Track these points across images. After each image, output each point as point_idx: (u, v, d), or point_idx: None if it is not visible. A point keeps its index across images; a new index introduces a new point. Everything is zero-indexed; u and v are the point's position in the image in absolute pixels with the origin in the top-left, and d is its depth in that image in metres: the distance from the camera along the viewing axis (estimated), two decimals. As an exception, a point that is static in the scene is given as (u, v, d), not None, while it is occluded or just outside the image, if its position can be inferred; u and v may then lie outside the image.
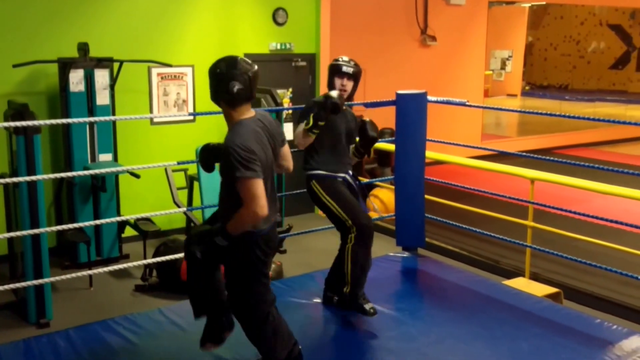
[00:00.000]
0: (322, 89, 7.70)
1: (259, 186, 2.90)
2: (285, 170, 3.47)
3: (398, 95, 5.38)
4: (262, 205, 2.90)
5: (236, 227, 2.96)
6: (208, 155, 3.20)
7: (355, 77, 4.17)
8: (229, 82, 3.05)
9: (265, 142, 3.06)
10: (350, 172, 4.27)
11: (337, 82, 4.14)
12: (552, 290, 4.94)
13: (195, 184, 6.39)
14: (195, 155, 6.36)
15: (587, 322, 4.19)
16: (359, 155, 4.39)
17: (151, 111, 6.57)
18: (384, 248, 5.90)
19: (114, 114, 5.97)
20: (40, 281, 4.43)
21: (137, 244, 6.09)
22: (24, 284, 4.39)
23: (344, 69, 4.12)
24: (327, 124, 4.01)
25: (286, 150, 3.39)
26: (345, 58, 4.21)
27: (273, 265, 5.33)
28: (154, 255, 5.23)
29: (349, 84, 4.16)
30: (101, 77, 5.83)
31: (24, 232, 4.33)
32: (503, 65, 20.24)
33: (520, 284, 5.00)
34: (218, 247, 3.00)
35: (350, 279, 4.10)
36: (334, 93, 3.99)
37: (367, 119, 4.23)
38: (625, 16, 23.39)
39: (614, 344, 3.87)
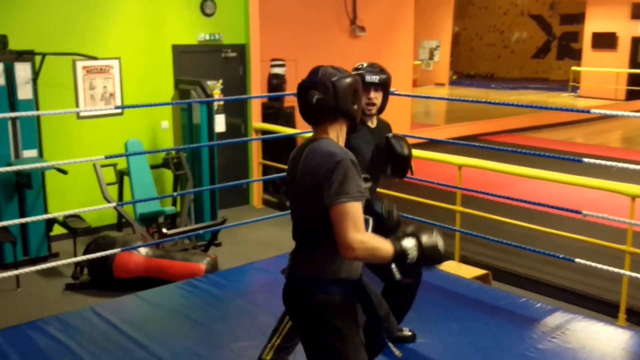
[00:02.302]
0: (253, 79, 7.66)
1: None
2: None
3: (329, 85, 5.37)
4: None
5: None
6: None
7: (384, 85, 3.38)
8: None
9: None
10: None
11: (363, 96, 3.10)
12: (480, 272, 5.08)
13: (125, 178, 6.27)
14: (124, 148, 6.23)
15: (514, 301, 4.33)
16: (397, 177, 3.63)
17: (77, 105, 6.37)
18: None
19: (37, 109, 5.76)
20: (-37, 283, 4.26)
21: (66, 242, 5.92)
22: (-55, 287, 4.21)
23: (368, 78, 3.30)
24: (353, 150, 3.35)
25: (332, 214, 2.29)
26: (365, 64, 3.42)
27: (208, 259, 5.28)
28: (85, 253, 5.09)
29: (377, 96, 3.38)
30: (22, 70, 5.61)
31: (-56, 233, 4.15)
32: (431, 55, 20.61)
33: (451, 267, 5.12)
34: None
35: None
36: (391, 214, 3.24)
37: (391, 134, 3.51)
38: (545, 7, 24.25)
39: (540, 321, 4.02)
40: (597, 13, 19.08)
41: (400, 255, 2.31)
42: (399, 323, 3.63)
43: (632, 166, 4.30)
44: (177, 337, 3.84)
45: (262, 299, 4.43)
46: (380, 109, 3.47)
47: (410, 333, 3.75)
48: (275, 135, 7.16)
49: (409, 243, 2.33)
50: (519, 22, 25.14)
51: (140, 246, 5.12)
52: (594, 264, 4.51)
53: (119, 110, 6.51)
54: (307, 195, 2.38)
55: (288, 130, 7.33)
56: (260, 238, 6.51)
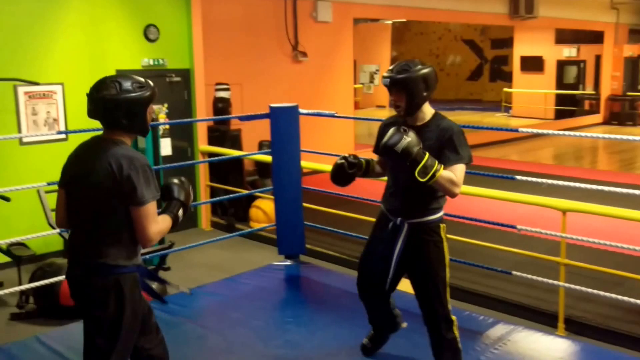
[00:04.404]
0: (198, 103, 7.57)
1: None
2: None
3: (271, 108, 5.40)
4: None
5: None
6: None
7: (404, 85, 3.11)
8: None
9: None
10: (416, 218, 3.23)
11: (390, 98, 3.23)
12: (424, 287, 5.06)
13: (71, 204, 6.05)
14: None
15: (456, 314, 4.17)
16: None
17: (19, 131, 6.15)
18: (267, 257, 5.88)
19: (-25, 136, 5.53)
20: None
21: (11, 270, 5.64)
22: None
23: (383, 82, 3.19)
24: (387, 149, 3.06)
25: (134, 215, 2.62)
26: (392, 67, 3.20)
27: (156, 283, 5.09)
28: (30, 281, 4.86)
29: (399, 98, 3.14)
30: (-41, 96, 5.39)
31: None
32: (371, 79, 20.83)
33: (397, 282, 5.09)
34: None
35: None
36: None
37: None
38: (477, 32, 24.92)
39: (482, 333, 4.04)
40: (524, 38, 19.61)
41: (175, 222, 2.78)
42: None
43: (562, 182, 4.49)
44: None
45: (211, 322, 4.34)
46: (409, 110, 3.17)
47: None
48: (222, 157, 7.08)
49: (181, 213, 2.81)
50: (453, 46, 25.74)
51: (86, 272, 4.93)
52: (530, 276, 4.59)
53: (63, 136, 6.31)
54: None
55: (234, 153, 7.27)
56: (208, 261, 6.38)
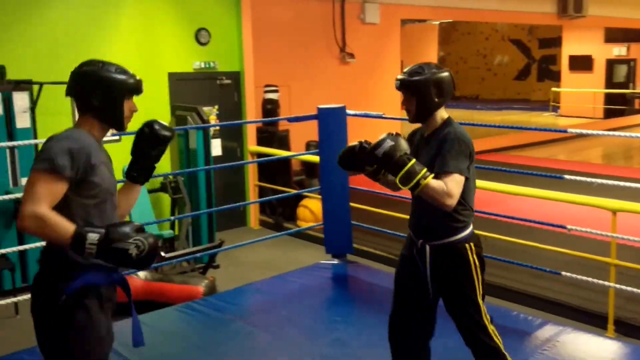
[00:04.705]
0: (249, 105, 7.55)
1: None
2: None
3: (319, 109, 5.36)
4: None
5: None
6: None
7: (414, 88, 2.78)
8: None
9: None
10: (432, 241, 2.84)
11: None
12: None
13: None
14: (122, 174, 6.06)
15: (504, 314, 4.19)
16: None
17: (75, 133, 6.23)
18: (315, 256, 5.80)
19: (35, 137, 5.61)
20: (-40, 312, 4.08)
21: (66, 267, 5.73)
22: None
23: (395, 84, 2.84)
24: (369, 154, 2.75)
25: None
26: (406, 69, 2.86)
27: (206, 281, 5.09)
28: (84, 277, 4.90)
29: (410, 102, 2.82)
30: (20, 99, 5.47)
31: (-59, 262, 3.97)
32: (418, 79, 20.62)
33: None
34: None
35: None
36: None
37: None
38: (524, 32, 24.39)
39: (531, 334, 3.93)
40: (572, 37, 19.15)
41: (77, 241, 2.07)
42: None
43: (612, 182, 4.43)
44: (177, 360, 3.68)
45: (261, 319, 4.30)
46: (419, 116, 2.85)
47: None
48: (270, 157, 7.05)
49: (93, 236, 2.07)
50: (501, 46, 25.27)
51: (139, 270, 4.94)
52: (579, 277, 4.49)
53: (116, 137, 6.36)
54: None
55: (283, 153, 7.23)
56: (257, 259, 6.35)
